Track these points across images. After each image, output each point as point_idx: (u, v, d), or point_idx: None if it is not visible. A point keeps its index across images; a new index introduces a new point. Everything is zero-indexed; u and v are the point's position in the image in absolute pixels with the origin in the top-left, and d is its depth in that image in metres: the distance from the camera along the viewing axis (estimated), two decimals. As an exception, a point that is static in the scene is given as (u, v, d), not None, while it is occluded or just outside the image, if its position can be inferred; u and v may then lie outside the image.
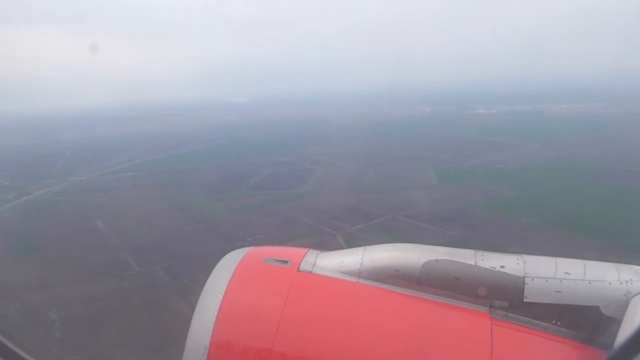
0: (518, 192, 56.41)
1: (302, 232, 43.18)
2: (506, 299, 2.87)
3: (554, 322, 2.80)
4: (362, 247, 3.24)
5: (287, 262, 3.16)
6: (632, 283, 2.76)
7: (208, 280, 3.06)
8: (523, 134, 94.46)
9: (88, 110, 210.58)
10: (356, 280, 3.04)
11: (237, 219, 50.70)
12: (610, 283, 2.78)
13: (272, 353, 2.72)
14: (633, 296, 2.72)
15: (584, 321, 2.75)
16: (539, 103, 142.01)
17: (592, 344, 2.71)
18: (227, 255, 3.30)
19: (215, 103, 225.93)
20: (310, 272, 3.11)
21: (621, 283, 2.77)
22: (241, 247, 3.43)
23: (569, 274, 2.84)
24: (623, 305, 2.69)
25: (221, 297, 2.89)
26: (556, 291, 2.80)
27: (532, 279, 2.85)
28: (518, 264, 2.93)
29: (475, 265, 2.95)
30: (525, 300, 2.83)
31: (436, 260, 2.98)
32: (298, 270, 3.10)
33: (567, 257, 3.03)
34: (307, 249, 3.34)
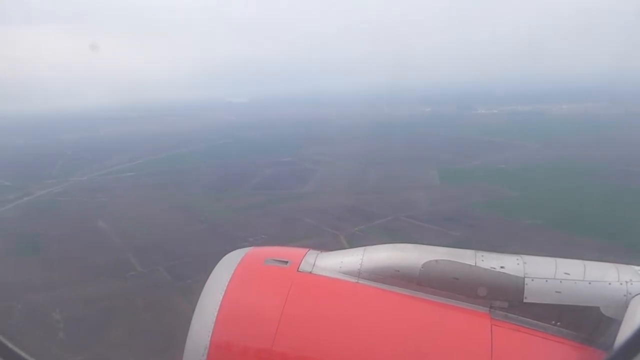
0: (520, 193, 56.37)
1: (304, 233, 43.09)
2: (506, 300, 2.87)
3: (553, 322, 2.80)
4: (362, 248, 3.25)
5: (287, 262, 3.16)
6: (632, 283, 2.77)
7: (208, 281, 3.07)
8: (524, 134, 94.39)
9: (88, 110, 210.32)
10: (356, 281, 3.05)
11: (238, 219, 50.68)
12: (610, 283, 2.79)
13: (272, 353, 2.73)
14: (633, 297, 2.72)
15: (584, 322, 2.76)
16: (540, 103, 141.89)
17: (592, 345, 2.72)
18: (227, 255, 3.31)
19: (215, 103, 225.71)
20: (310, 272, 3.11)
21: (621, 283, 2.78)
22: (244, 248, 3.44)
23: (568, 274, 2.84)
24: (623, 305, 2.69)
25: (221, 298, 2.89)
26: (556, 292, 2.81)
27: (532, 280, 2.85)
28: (518, 264, 2.93)
29: (475, 265, 2.95)
30: (525, 300, 2.84)
31: (436, 261, 2.99)
32: (298, 270, 3.11)
33: (569, 257, 3.04)
34: (307, 249, 3.34)
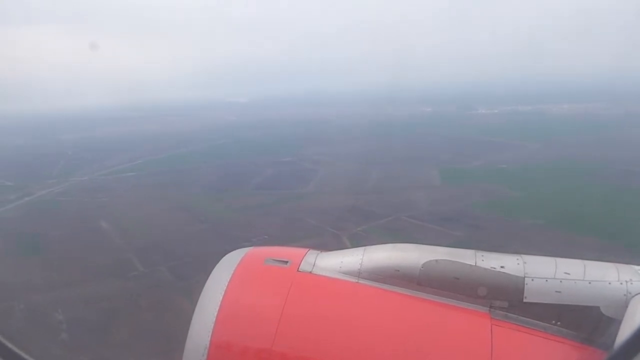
0: (521, 193, 56.40)
1: (306, 233, 43.07)
2: (506, 299, 2.88)
3: (553, 322, 2.81)
4: (362, 247, 3.25)
5: (287, 262, 3.17)
6: (632, 283, 2.77)
7: (208, 281, 3.07)
8: (524, 134, 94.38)
9: (88, 110, 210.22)
10: (356, 281, 3.05)
11: (240, 219, 50.69)
12: (610, 283, 2.79)
13: (272, 353, 2.73)
14: (633, 296, 2.72)
15: (584, 321, 2.76)
16: (540, 103, 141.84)
17: (592, 344, 2.72)
18: (227, 255, 3.32)
19: (215, 103, 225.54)
20: (310, 272, 3.11)
21: (621, 283, 2.78)
22: (244, 248, 3.44)
23: (568, 274, 2.84)
24: (623, 305, 2.70)
25: (221, 298, 2.90)
26: (556, 291, 2.81)
27: (532, 279, 2.86)
28: (518, 264, 2.93)
29: (475, 265, 2.95)
30: (525, 300, 2.84)
31: (436, 261, 2.99)
32: (298, 270, 3.11)
33: (569, 257, 3.04)
34: (307, 249, 3.35)
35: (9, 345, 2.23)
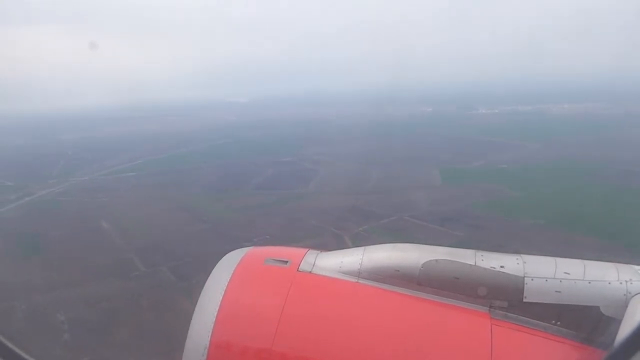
0: (522, 193, 56.40)
1: (308, 233, 43.01)
2: (506, 299, 2.88)
3: (553, 322, 2.80)
4: (362, 247, 3.25)
5: (286, 262, 3.16)
6: (631, 283, 2.77)
7: (208, 280, 3.07)
8: (525, 134, 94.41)
9: (88, 110, 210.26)
10: (356, 281, 3.05)
11: (241, 219, 50.66)
12: (610, 283, 2.79)
13: (271, 353, 2.73)
14: (633, 296, 2.72)
15: (584, 321, 2.76)
16: (540, 103, 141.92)
17: (591, 344, 2.72)
18: (227, 255, 3.31)
19: (215, 103, 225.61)
20: (310, 272, 3.11)
21: (621, 283, 2.78)
22: (244, 248, 3.44)
23: (568, 274, 2.84)
24: (623, 305, 2.70)
25: (221, 297, 2.89)
26: (556, 291, 2.81)
27: (532, 279, 2.86)
28: (518, 264, 2.93)
29: (475, 265, 2.95)
30: (524, 300, 2.84)
31: (436, 260, 2.99)
32: (298, 270, 3.11)
33: (570, 257, 3.04)
34: (307, 249, 3.34)
35: (9, 345, 2.23)
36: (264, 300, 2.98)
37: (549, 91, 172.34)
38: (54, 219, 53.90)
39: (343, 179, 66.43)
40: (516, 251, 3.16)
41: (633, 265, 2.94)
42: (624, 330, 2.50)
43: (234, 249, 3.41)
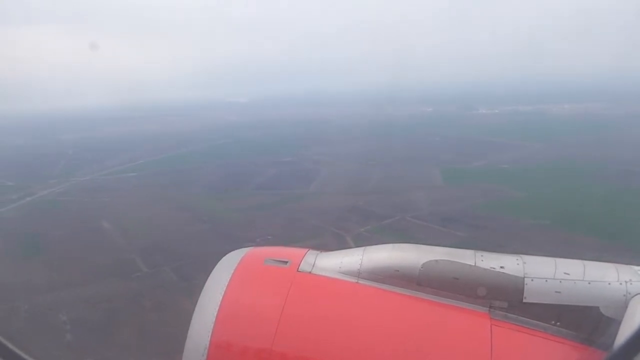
0: (524, 193, 56.37)
1: (310, 234, 42.96)
2: (506, 300, 2.88)
3: (553, 322, 2.81)
4: (362, 248, 3.25)
5: (286, 262, 3.17)
6: (631, 283, 2.77)
7: (208, 281, 3.07)
8: (526, 134, 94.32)
9: (88, 110, 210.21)
10: (356, 281, 3.05)
11: (243, 219, 50.67)
12: (609, 283, 2.79)
13: (271, 353, 2.73)
14: (632, 296, 2.72)
15: (584, 322, 2.77)
16: (540, 103, 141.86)
17: (591, 345, 2.72)
18: (226, 255, 3.32)
19: (215, 103, 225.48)
20: (310, 272, 3.12)
21: (621, 283, 2.78)
22: (244, 248, 3.45)
23: (568, 274, 2.84)
24: (622, 305, 2.70)
25: (221, 297, 2.90)
26: (556, 292, 2.81)
27: (532, 280, 2.86)
28: (517, 264, 2.94)
29: (475, 265, 2.96)
30: (524, 300, 2.85)
31: (436, 261, 2.99)
32: (298, 270, 3.11)
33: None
34: (307, 250, 3.35)
35: (9, 345, 2.23)
36: (264, 300, 2.98)
37: (549, 91, 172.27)
38: (55, 219, 53.91)
39: (344, 179, 66.41)
40: (518, 251, 3.17)
41: (633, 266, 2.94)
42: (624, 331, 2.50)
43: (236, 249, 3.42)
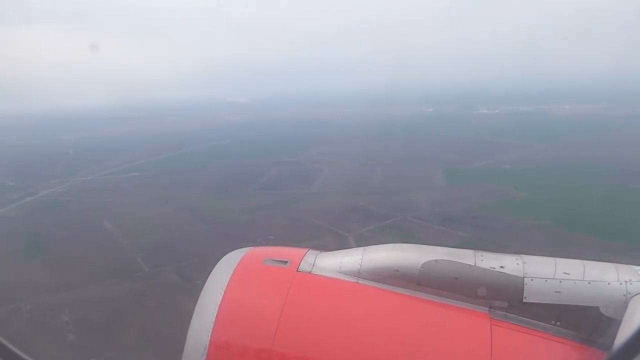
0: (526, 193, 56.30)
1: (312, 234, 42.83)
2: (505, 300, 2.88)
3: (553, 322, 2.81)
4: (362, 248, 3.27)
5: (286, 262, 3.18)
6: (631, 283, 2.78)
7: (207, 280, 3.08)
8: (527, 135, 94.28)
9: (88, 110, 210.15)
10: (355, 281, 3.05)
11: (245, 219, 50.59)
12: (609, 283, 2.80)
13: (271, 353, 2.74)
14: (632, 296, 2.73)
15: (584, 321, 2.77)
16: (541, 103, 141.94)
17: (591, 345, 2.73)
18: (226, 255, 3.33)
19: (215, 103, 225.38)
20: (310, 272, 3.12)
21: (620, 283, 2.79)
22: (244, 248, 3.45)
23: (568, 274, 2.85)
24: (622, 305, 2.71)
25: (220, 297, 2.90)
26: (556, 291, 2.82)
27: (532, 280, 2.87)
28: (517, 264, 2.94)
29: (475, 265, 2.96)
30: (524, 300, 2.85)
31: (435, 261, 3.00)
32: (297, 270, 3.12)
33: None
34: (307, 249, 3.35)
35: (9, 346, 2.23)
36: (263, 300, 2.99)
37: (549, 91, 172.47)
38: (56, 219, 53.78)
39: (345, 179, 66.33)
40: (519, 251, 3.17)
41: (633, 266, 2.95)
42: (624, 331, 2.50)
43: (236, 249, 3.42)
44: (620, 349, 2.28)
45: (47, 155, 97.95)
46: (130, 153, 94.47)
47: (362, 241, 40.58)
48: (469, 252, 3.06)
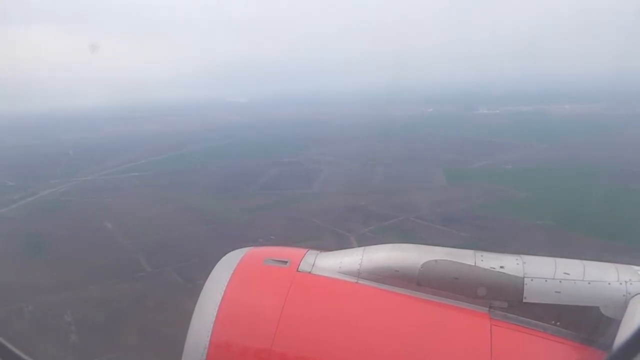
0: (528, 193, 56.26)
1: (313, 234, 42.74)
2: (505, 300, 2.89)
3: (553, 322, 2.81)
4: (362, 248, 3.27)
5: (286, 262, 3.18)
6: (631, 283, 2.78)
7: (207, 280, 3.08)
8: (528, 135, 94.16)
9: (88, 110, 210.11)
10: (355, 281, 3.06)
11: (246, 219, 50.51)
12: (609, 283, 2.80)
13: (271, 353, 2.74)
14: (632, 297, 2.73)
15: (584, 322, 2.77)
16: (541, 103, 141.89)
17: (591, 345, 2.73)
18: (226, 255, 3.33)
19: (215, 103, 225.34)
20: (310, 272, 3.12)
21: (620, 283, 2.79)
22: (244, 248, 3.45)
23: (568, 274, 2.85)
24: (622, 305, 2.71)
25: (220, 297, 2.91)
26: (555, 292, 2.82)
27: (532, 280, 2.87)
28: (517, 264, 2.94)
29: (475, 265, 2.96)
30: (524, 300, 2.85)
31: (435, 261, 3.00)
32: (297, 270, 3.12)
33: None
34: (307, 250, 3.35)
35: (9, 346, 2.23)
36: (263, 300, 2.99)
37: (549, 91, 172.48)
38: (57, 220, 53.69)
39: (346, 179, 66.25)
40: (520, 251, 3.17)
41: (633, 266, 2.95)
42: (624, 331, 2.50)
43: (236, 249, 3.42)
44: (620, 349, 2.29)
45: (47, 155, 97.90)
46: (131, 153, 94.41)
47: (364, 241, 40.48)
48: (469, 252, 3.06)
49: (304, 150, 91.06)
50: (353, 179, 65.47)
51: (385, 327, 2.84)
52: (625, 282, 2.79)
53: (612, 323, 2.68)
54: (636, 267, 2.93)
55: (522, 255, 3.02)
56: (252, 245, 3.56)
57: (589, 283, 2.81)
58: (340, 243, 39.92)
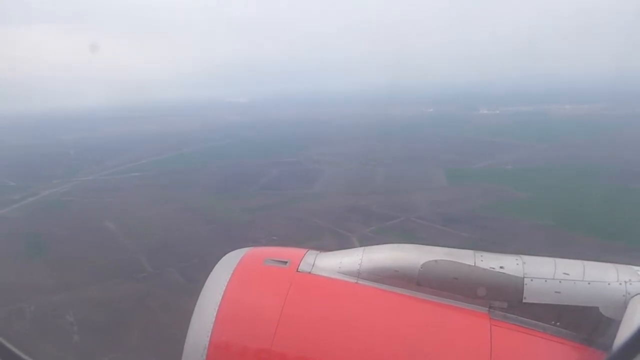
0: (529, 193, 56.25)
1: (315, 234, 42.79)
2: (505, 300, 2.89)
3: (553, 322, 2.81)
4: (361, 248, 3.26)
5: (286, 262, 3.17)
6: (631, 284, 2.78)
7: (207, 280, 3.08)
8: (528, 135, 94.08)
9: (88, 110, 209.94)
10: (355, 281, 3.05)
11: (247, 220, 50.56)
12: (609, 284, 2.80)
13: (271, 353, 2.74)
14: (632, 297, 2.73)
15: (583, 322, 2.77)
16: (542, 103, 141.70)
17: (591, 345, 2.73)
18: (226, 255, 3.33)
19: (215, 103, 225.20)
20: (310, 272, 3.12)
21: (620, 284, 2.79)
22: (244, 248, 3.45)
23: (568, 274, 2.85)
24: (622, 306, 2.71)
25: (220, 298, 2.90)
26: (555, 292, 2.82)
27: (532, 280, 2.87)
28: (517, 264, 2.94)
29: (475, 265, 2.96)
30: (524, 300, 2.85)
31: (435, 261, 3.00)
32: (297, 270, 3.12)
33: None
34: (307, 250, 3.35)
35: (9, 346, 2.24)
36: (263, 300, 2.99)
37: (549, 91, 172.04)
38: (58, 220, 53.71)
39: (346, 180, 66.25)
40: (520, 251, 3.17)
41: (632, 266, 2.95)
42: (623, 332, 2.51)
43: (236, 249, 3.42)
44: (620, 349, 2.29)
45: (47, 155, 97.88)
46: (131, 153, 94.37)
47: (366, 241, 40.34)
48: (468, 252, 3.06)
49: (304, 150, 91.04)
50: (353, 179, 65.48)
51: (385, 327, 2.84)
52: (625, 282, 2.79)
53: (611, 323, 2.68)
54: (636, 267, 2.93)
55: (522, 256, 3.02)
56: (252, 246, 3.57)
57: (589, 283, 2.81)
58: (342, 243, 39.88)
